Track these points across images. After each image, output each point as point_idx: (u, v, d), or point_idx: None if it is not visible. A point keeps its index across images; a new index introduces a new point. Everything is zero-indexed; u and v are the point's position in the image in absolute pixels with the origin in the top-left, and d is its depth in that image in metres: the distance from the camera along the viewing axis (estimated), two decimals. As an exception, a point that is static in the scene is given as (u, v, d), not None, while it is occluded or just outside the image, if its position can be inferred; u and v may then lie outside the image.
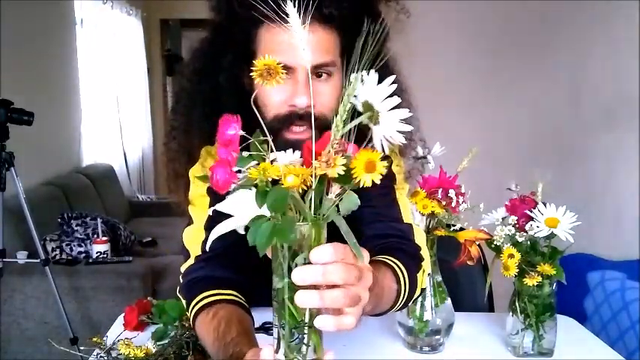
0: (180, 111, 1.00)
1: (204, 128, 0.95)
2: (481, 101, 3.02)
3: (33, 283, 2.40)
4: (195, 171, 1.00)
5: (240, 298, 0.91)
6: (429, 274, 0.98)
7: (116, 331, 1.08)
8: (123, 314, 1.12)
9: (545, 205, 0.96)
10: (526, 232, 0.96)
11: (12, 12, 2.84)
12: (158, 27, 5.44)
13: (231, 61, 0.91)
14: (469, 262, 0.98)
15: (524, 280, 0.96)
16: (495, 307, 1.38)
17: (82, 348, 1.97)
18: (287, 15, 0.60)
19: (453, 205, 0.94)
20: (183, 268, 0.98)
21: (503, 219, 1.00)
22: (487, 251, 1.05)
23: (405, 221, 0.97)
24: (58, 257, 2.63)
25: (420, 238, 0.97)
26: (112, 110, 4.40)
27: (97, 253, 2.68)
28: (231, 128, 0.54)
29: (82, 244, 2.70)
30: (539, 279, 0.95)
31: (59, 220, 2.77)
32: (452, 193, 0.94)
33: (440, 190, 0.94)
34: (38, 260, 2.18)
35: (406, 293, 0.86)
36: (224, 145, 0.54)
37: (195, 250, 0.97)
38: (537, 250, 0.97)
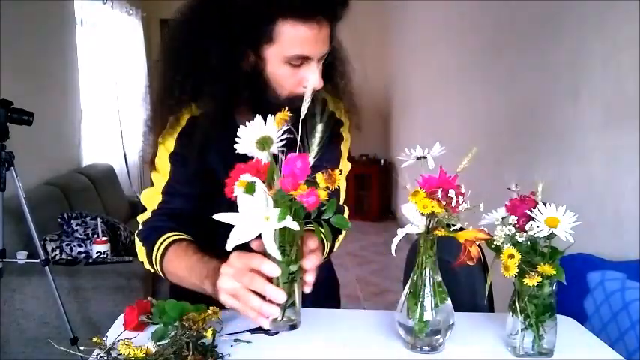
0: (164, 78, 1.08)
1: (183, 102, 1.06)
2: (480, 101, 3.02)
3: (33, 283, 2.40)
4: (164, 138, 1.11)
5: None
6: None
7: (116, 331, 1.08)
8: (123, 314, 1.12)
9: (545, 205, 0.96)
10: (526, 232, 0.96)
11: (12, 12, 2.84)
12: (158, 27, 5.45)
13: (235, 45, 0.99)
14: (469, 262, 0.98)
15: (524, 280, 0.95)
16: (495, 307, 1.38)
17: (82, 348, 1.97)
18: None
19: (453, 205, 0.94)
20: (141, 219, 1.12)
21: (503, 219, 1.00)
22: (487, 251, 1.05)
23: (341, 203, 1.21)
24: (58, 257, 2.63)
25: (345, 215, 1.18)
26: (112, 110, 4.40)
27: (97, 253, 2.68)
28: (298, 165, 0.73)
29: (82, 244, 2.70)
30: (539, 279, 0.95)
31: (59, 220, 2.78)
32: (452, 193, 0.94)
33: (440, 191, 0.94)
34: (38, 260, 2.18)
35: (326, 254, 1.09)
36: (291, 176, 0.72)
37: (151, 207, 1.11)
38: (537, 250, 0.97)
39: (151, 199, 1.12)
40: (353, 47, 1.18)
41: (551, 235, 0.95)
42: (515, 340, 1.01)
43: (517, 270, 0.96)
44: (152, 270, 1.10)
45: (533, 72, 2.33)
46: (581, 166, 1.90)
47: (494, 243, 0.99)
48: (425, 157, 1.01)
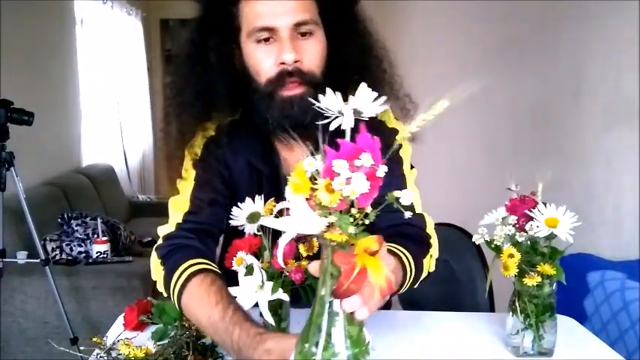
0: (174, 95, 1.03)
1: (197, 108, 1.00)
2: (480, 100, 3.02)
3: (33, 283, 2.40)
4: (192, 147, 1.04)
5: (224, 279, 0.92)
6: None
7: (116, 331, 1.08)
8: (123, 314, 1.12)
9: (545, 205, 0.96)
10: (526, 232, 0.96)
11: (12, 12, 2.84)
12: (158, 27, 5.44)
13: (218, 42, 0.97)
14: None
15: (524, 280, 0.95)
16: (495, 307, 1.38)
17: (82, 348, 1.97)
18: None
19: (340, 185, 0.53)
20: (162, 232, 1.00)
21: (503, 219, 1.00)
22: (487, 251, 1.05)
23: (416, 211, 1.01)
24: (58, 257, 2.63)
25: (430, 225, 1.02)
26: (112, 110, 4.40)
27: (97, 253, 2.68)
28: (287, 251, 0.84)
29: (82, 244, 2.70)
30: (539, 279, 0.95)
31: (59, 220, 2.78)
32: (338, 165, 0.53)
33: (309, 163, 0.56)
34: (38, 260, 2.18)
35: (411, 279, 0.91)
36: (285, 257, 0.82)
37: (176, 218, 1.00)
38: (537, 250, 0.97)
39: (181, 206, 1.01)
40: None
41: (551, 235, 0.94)
42: (515, 340, 1.01)
43: (517, 270, 0.96)
44: (165, 295, 0.96)
45: (534, 72, 2.33)
46: (581, 167, 1.90)
47: (495, 243, 0.98)
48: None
